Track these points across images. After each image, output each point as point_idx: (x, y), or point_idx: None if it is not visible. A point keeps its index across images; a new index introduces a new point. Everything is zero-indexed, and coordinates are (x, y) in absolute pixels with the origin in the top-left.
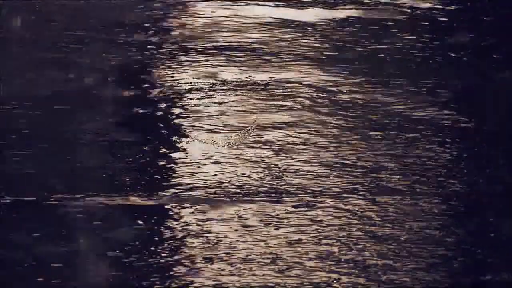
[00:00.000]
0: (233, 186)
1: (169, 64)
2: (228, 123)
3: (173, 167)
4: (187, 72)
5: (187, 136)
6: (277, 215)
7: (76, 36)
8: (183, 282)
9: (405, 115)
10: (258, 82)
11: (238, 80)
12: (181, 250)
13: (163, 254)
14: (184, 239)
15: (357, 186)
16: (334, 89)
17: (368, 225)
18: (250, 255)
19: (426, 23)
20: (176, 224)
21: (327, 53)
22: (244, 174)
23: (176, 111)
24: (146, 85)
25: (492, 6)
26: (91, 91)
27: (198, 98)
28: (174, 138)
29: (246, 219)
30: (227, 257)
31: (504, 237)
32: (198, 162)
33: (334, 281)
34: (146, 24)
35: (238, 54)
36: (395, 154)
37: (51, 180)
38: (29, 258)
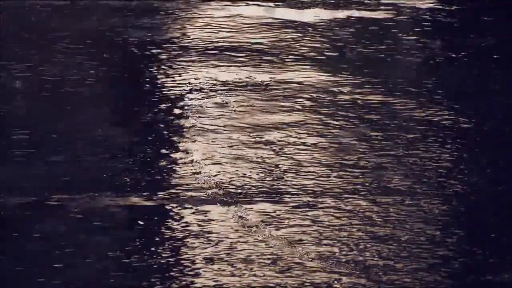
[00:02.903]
0: (233, 187)
1: (169, 64)
2: (228, 124)
3: (174, 168)
4: (188, 73)
5: (187, 137)
6: (278, 215)
7: (77, 36)
8: (183, 282)
9: (405, 115)
10: (259, 82)
11: (239, 80)
12: (181, 250)
13: (163, 255)
14: (185, 240)
15: (358, 186)
16: (335, 89)
17: (368, 225)
18: (250, 256)
19: (426, 23)
20: (177, 225)
21: (328, 54)
22: (245, 174)
23: (177, 111)
24: (147, 85)
25: (492, 6)
26: (91, 91)
27: (198, 99)
28: (174, 139)
29: (247, 220)
30: (227, 257)
31: (504, 237)
32: (199, 163)
33: (335, 282)
34: (147, 24)
35: (238, 55)
36: (395, 154)
37: (51, 180)
38: (29, 258)
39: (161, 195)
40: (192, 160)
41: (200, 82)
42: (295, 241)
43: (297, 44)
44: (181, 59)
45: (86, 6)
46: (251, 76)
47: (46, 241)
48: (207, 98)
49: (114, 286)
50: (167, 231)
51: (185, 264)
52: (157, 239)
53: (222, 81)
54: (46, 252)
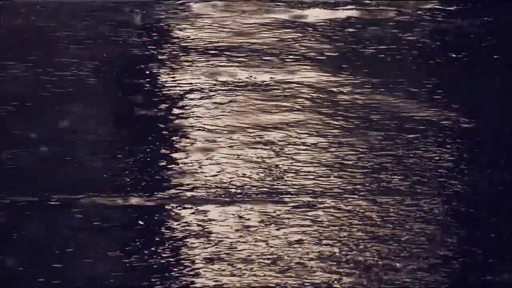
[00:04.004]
0: (233, 187)
1: (169, 64)
2: (228, 124)
3: (174, 168)
4: (188, 73)
5: (187, 137)
6: (278, 215)
7: (77, 36)
8: (183, 282)
9: (405, 115)
10: (259, 82)
11: (239, 80)
12: (181, 250)
13: (163, 255)
14: (185, 240)
15: (358, 186)
16: (335, 89)
17: (369, 225)
18: (250, 256)
19: (426, 23)
20: (177, 225)
21: (328, 54)
22: (245, 174)
23: (177, 111)
24: (147, 85)
25: (492, 6)
26: (91, 91)
27: (198, 99)
28: (174, 139)
29: (247, 220)
30: (227, 257)
31: (504, 237)
32: (199, 163)
33: (335, 282)
34: (147, 24)
35: (238, 55)
36: (395, 154)
37: (51, 180)
38: (29, 258)
39: (161, 195)
40: (192, 160)
41: (200, 82)
42: (295, 241)
43: (297, 44)
44: (181, 59)
45: (86, 6)
46: (251, 76)
47: (46, 241)
48: (207, 98)
49: (114, 286)
50: (167, 231)
51: (185, 264)
52: (157, 239)
53: (222, 81)
54: (46, 252)
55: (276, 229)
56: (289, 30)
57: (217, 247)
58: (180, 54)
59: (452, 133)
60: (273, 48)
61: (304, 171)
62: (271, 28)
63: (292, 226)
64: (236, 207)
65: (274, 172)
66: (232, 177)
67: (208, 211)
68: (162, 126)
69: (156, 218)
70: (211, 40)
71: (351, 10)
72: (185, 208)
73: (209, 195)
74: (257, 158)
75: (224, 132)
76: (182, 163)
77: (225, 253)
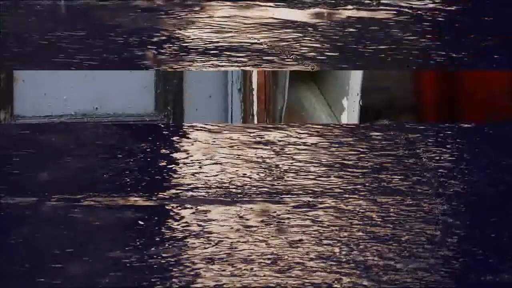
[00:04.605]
0: (234, 187)
1: (170, 64)
2: (228, 124)
3: (174, 167)
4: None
5: (187, 137)
6: (278, 215)
7: (77, 36)
8: (183, 282)
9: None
10: None
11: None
12: (181, 250)
13: (163, 255)
14: (185, 240)
15: (358, 186)
16: None
17: (369, 225)
18: (251, 256)
19: (426, 23)
20: (177, 225)
21: (328, 54)
22: (245, 174)
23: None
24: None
25: (492, 6)
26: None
27: None
28: (174, 139)
29: (247, 220)
30: (228, 257)
31: (504, 237)
32: (199, 162)
33: (335, 282)
34: (147, 24)
35: (238, 55)
36: (396, 154)
37: (51, 180)
38: (29, 258)
39: (161, 195)
40: (192, 160)
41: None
42: (295, 241)
43: (297, 44)
44: (181, 59)
45: (86, 6)
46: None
47: (46, 241)
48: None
49: (114, 286)
50: (167, 231)
51: (185, 264)
52: (157, 239)
53: None
54: (46, 252)
55: (276, 229)
56: (290, 30)
57: (217, 247)
58: (180, 54)
59: (452, 133)
60: (273, 48)
61: (304, 171)
62: (271, 28)
63: (292, 226)
64: (236, 207)
65: (274, 172)
66: (232, 177)
67: (208, 211)
68: (162, 126)
69: (156, 218)
70: (211, 40)
71: (351, 10)
72: (185, 208)
73: (209, 195)
74: (257, 158)
75: (224, 132)
76: (182, 163)
77: (225, 253)
